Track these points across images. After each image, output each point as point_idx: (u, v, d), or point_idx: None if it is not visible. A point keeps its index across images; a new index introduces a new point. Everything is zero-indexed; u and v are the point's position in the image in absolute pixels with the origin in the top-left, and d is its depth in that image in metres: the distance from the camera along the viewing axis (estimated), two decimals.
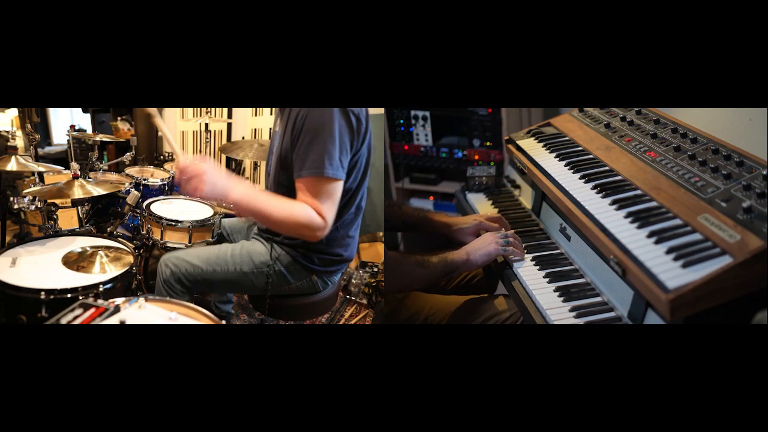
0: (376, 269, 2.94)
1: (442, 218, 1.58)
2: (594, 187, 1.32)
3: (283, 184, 1.51)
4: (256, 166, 3.85)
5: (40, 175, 2.48)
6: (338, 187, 1.40)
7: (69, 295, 1.44)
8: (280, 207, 1.38)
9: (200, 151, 3.74)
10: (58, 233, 1.99)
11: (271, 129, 3.96)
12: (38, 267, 1.58)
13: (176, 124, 3.80)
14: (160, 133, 3.67)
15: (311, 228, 1.37)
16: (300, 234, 1.42)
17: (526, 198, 1.72)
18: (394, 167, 2.77)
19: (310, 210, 1.36)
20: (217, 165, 1.33)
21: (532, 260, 1.38)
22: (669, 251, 1.02)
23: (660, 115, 1.48)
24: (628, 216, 1.17)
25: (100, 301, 1.06)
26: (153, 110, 1.47)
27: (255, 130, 3.99)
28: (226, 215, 2.45)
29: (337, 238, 1.56)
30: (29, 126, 3.83)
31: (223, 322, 1.14)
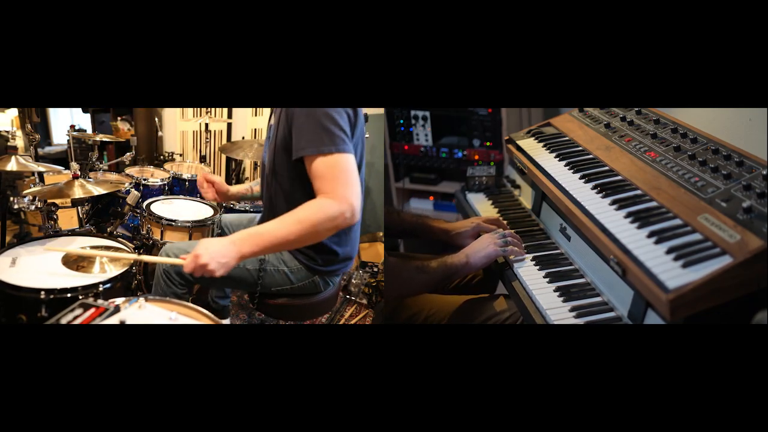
0: (376, 269, 2.94)
1: (441, 224, 1.58)
2: (594, 187, 1.32)
3: (278, 173, 1.49)
4: (256, 166, 3.85)
5: (40, 175, 2.48)
6: (345, 159, 1.29)
7: (69, 295, 1.44)
8: (288, 224, 1.26)
9: (200, 151, 3.74)
10: (58, 233, 2.00)
11: None
12: (38, 267, 1.58)
13: (176, 124, 3.81)
14: (160, 133, 3.67)
15: (332, 217, 1.25)
16: (328, 229, 1.27)
17: (526, 198, 1.72)
18: (394, 167, 2.77)
19: (320, 201, 1.27)
20: (211, 244, 1.23)
21: (532, 260, 1.38)
22: (669, 251, 1.03)
23: (660, 115, 1.48)
24: (628, 216, 1.17)
25: (100, 301, 1.06)
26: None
27: (255, 130, 3.99)
28: (227, 210, 2.45)
29: (340, 236, 1.54)
30: (29, 126, 3.83)
31: (224, 321, 1.14)
